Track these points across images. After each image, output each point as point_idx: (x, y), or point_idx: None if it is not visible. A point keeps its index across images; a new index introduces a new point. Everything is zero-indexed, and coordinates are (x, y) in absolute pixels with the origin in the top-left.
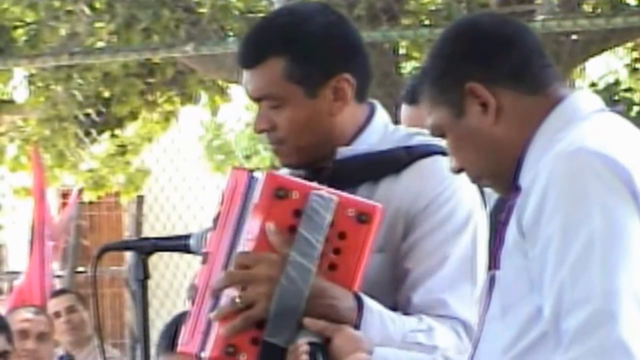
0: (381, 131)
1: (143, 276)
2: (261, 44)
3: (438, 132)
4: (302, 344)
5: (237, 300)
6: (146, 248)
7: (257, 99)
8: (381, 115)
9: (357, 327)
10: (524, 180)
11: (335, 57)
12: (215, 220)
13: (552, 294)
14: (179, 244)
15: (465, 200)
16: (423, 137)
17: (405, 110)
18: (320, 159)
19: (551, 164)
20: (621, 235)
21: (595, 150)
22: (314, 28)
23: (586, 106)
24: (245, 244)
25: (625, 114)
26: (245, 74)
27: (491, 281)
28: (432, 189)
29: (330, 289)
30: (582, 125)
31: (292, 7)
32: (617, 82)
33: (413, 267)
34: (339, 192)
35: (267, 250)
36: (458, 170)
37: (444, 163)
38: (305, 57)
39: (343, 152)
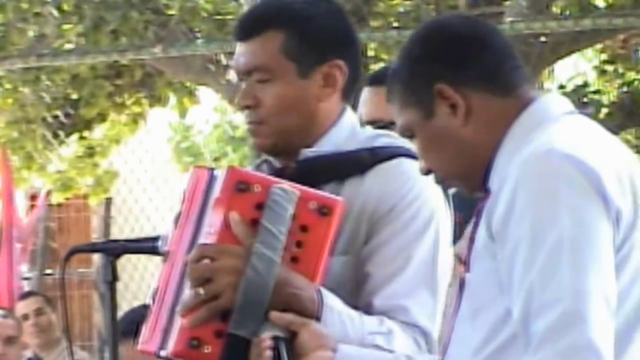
0: (348, 131)
1: (111, 278)
2: (262, 16)
3: (407, 132)
4: (266, 338)
5: (201, 291)
6: (115, 250)
7: (247, 72)
8: (350, 116)
9: (317, 319)
10: (494, 182)
11: (332, 42)
12: (177, 219)
13: (522, 295)
14: (147, 246)
15: (428, 202)
16: (388, 139)
17: (367, 92)
18: (294, 147)
19: (521, 165)
20: (590, 237)
21: (564, 152)
22: (316, 11)
23: (556, 108)
24: (207, 238)
25: (593, 116)
26: (240, 47)
27: (461, 284)
28: (396, 192)
29: (293, 279)
30: (552, 127)
31: None
32: (585, 84)
33: (374, 271)
34: (299, 185)
35: (230, 242)
36: (427, 172)
37: (408, 165)
38: (303, 35)
39: (306, 152)
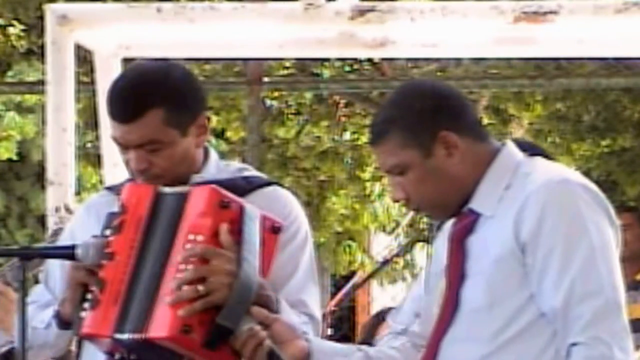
0: (215, 165)
1: (23, 278)
2: (140, 100)
3: (398, 169)
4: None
5: (200, 288)
6: (31, 256)
7: (138, 146)
8: (214, 153)
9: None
10: (482, 204)
11: (196, 99)
12: (119, 226)
13: (564, 287)
14: (66, 253)
15: (304, 219)
16: (250, 172)
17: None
18: (179, 181)
19: (544, 190)
20: (610, 245)
21: (577, 181)
22: (177, 80)
23: (518, 153)
24: (193, 243)
25: None
26: (123, 127)
27: (457, 284)
28: (280, 211)
29: (264, 283)
30: (533, 163)
31: (148, 65)
32: None
33: (272, 274)
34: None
35: (216, 247)
36: (403, 200)
37: (282, 191)
38: (177, 105)
39: (196, 178)
